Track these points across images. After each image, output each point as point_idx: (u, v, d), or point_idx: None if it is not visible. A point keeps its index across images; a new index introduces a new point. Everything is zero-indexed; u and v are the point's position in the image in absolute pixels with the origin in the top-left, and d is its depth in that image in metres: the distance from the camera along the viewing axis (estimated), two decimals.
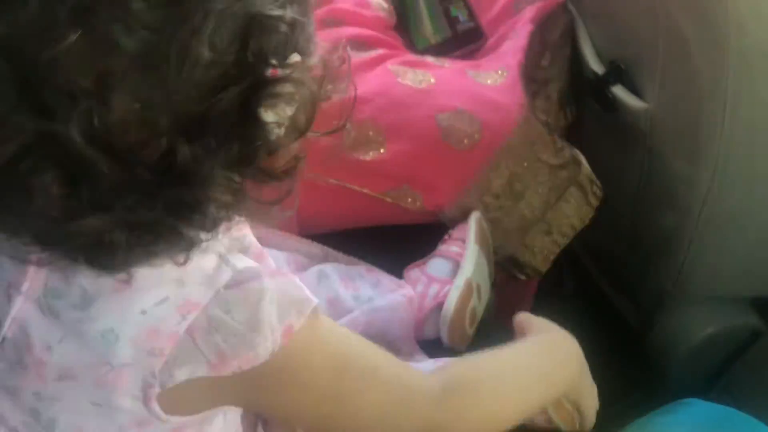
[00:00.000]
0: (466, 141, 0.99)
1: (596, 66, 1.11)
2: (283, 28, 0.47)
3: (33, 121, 0.41)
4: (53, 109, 0.41)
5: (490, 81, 1.05)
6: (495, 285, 1.16)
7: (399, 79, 1.03)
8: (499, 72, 1.06)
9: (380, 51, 1.09)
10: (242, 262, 0.53)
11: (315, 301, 0.55)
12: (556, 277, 1.28)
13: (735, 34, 0.86)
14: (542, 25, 1.14)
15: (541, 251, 1.06)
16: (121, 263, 0.47)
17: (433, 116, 0.99)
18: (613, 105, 1.09)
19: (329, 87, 0.52)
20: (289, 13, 0.46)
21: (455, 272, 0.89)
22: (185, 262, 0.49)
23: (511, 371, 0.70)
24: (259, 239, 0.87)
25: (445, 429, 0.64)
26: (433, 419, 0.63)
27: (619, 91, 1.08)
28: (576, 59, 1.16)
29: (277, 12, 0.46)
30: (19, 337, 0.53)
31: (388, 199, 0.99)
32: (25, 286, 0.52)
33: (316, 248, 0.93)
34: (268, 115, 0.47)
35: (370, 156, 0.98)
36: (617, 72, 1.08)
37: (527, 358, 0.73)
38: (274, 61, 0.46)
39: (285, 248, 0.90)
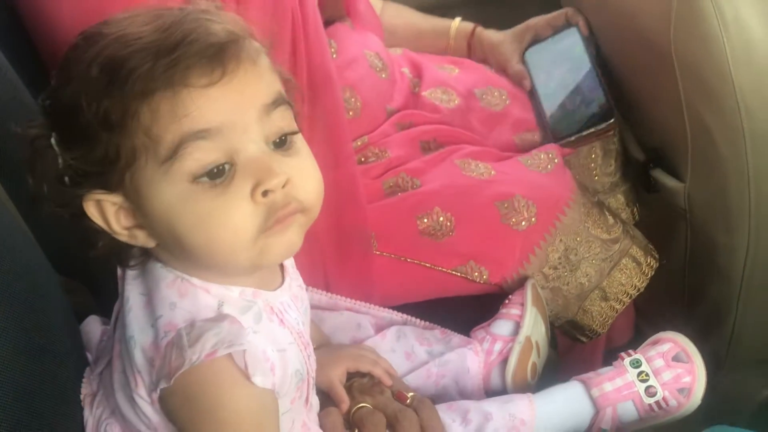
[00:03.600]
0: (523, 223, 1.13)
1: (638, 153, 1.26)
2: None
3: None
4: None
5: (541, 168, 1.20)
6: (559, 348, 1.28)
7: (463, 172, 1.18)
8: (549, 155, 1.21)
9: (446, 148, 1.25)
10: (232, 311, 0.67)
11: (245, 348, 0.64)
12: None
13: (746, 119, 1.00)
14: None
15: (600, 315, 1.18)
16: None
17: (493, 203, 1.14)
18: (654, 187, 1.23)
19: None
20: None
21: (516, 331, 1.02)
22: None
23: None
24: (348, 307, 1.05)
25: None
26: None
27: (659, 174, 1.22)
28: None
29: None
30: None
31: (458, 274, 1.13)
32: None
33: (396, 316, 1.07)
34: None
35: (442, 239, 1.13)
36: (656, 157, 1.23)
37: None
38: None
39: (370, 314, 1.06)
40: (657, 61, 1.06)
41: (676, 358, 0.96)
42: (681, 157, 1.15)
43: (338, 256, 1.09)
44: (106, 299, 0.89)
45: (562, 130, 1.26)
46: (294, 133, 0.68)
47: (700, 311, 1.30)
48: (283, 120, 0.67)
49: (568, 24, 1.35)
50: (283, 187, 0.64)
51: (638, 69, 1.19)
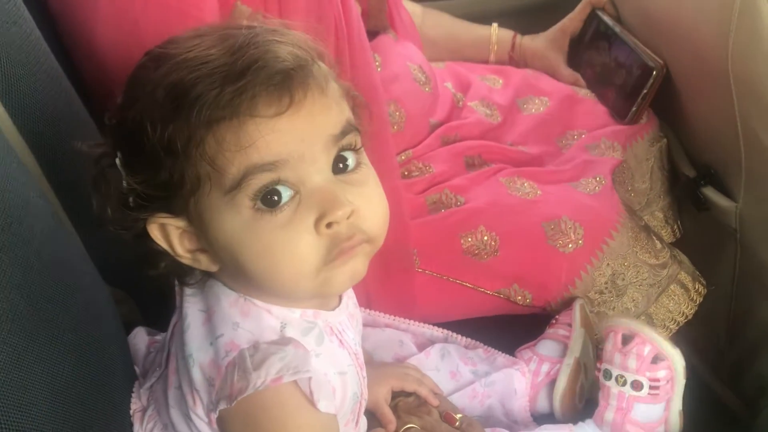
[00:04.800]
0: (570, 245, 1.10)
1: (688, 169, 1.23)
2: None
3: None
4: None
5: (589, 189, 1.17)
6: None
7: (509, 191, 1.16)
8: (597, 179, 1.19)
9: (491, 166, 1.23)
10: (294, 334, 0.66)
11: (310, 375, 0.62)
12: None
13: None
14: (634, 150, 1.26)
15: None
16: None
17: (539, 223, 1.11)
18: (704, 205, 1.20)
19: None
20: None
21: (563, 353, 0.99)
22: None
23: None
24: (388, 324, 1.03)
25: None
26: None
27: (710, 192, 1.19)
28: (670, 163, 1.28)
29: None
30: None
31: (501, 296, 1.10)
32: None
33: (437, 332, 1.05)
34: None
35: (486, 259, 1.10)
36: (708, 174, 1.20)
37: None
38: None
39: (410, 331, 1.04)
40: (712, 76, 1.04)
41: (625, 341, 0.94)
42: (734, 175, 1.13)
43: (380, 271, 1.07)
44: (152, 310, 0.88)
45: (624, 106, 1.29)
46: (357, 149, 0.66)
47: (747, 333, 1.26)
48: (349, 142, 0.65)
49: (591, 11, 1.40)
50: (348, 218, 0.62)
51: (691, 84, 1.17)
